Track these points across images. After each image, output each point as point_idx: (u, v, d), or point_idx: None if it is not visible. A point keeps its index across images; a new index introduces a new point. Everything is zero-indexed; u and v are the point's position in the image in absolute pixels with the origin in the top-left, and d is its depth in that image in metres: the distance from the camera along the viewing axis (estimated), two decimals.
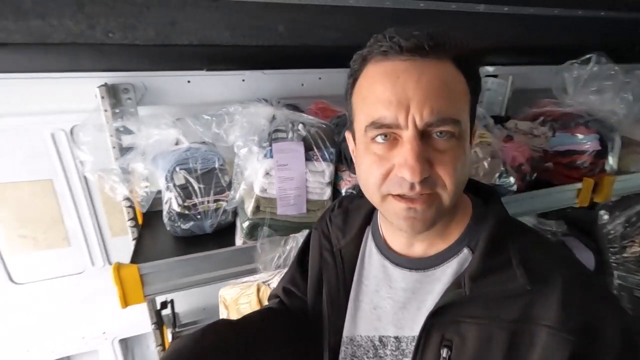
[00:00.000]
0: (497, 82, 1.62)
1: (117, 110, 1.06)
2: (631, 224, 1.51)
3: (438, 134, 0.49)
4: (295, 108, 1.20)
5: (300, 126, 0.94)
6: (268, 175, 0.90)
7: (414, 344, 0.54)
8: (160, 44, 1.02)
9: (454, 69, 0.49)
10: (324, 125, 0.97)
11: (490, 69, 1.63)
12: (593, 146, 1.23)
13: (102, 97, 1.03)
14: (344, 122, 1.10)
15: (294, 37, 1.22)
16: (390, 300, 0.60)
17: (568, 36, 1.42)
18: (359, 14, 1.25)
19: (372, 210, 0.69)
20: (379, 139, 0.50)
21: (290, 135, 0.91)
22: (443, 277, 0.56)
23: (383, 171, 0.51)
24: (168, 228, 0.99)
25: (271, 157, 0.89)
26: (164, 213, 0.98)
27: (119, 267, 0.75)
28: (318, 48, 1.26)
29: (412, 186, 0.49)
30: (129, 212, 1.13)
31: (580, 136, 1.24)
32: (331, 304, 0.65)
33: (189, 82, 1.19)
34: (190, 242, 0.98)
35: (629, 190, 1.34)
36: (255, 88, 1.27)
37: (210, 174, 0.97)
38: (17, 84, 1.06)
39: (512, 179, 1.12)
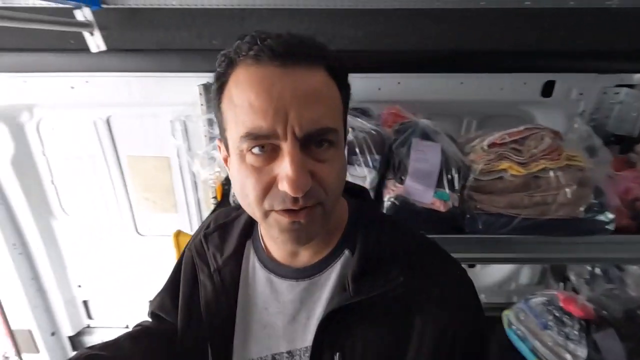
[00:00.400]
0: (633, 93, 1.29)
1: (210, 105, 1.27)
2: None
3: (317, 143, 0.46)
4: (363, 112, 1.21)
5: (349, 130, 0.96)
6: None
7: (307, 354, 0.53)
8: None
9: (328, 78, 0.47)
10: (374, 132, 0.97)
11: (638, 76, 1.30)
12: None
13: (200, 94, 1.24)
14: (405, 129, 1.06)
15: (371, 43, 1.24)
16: (280, 315, 0.57)
17: None
18: (437, 18, 1.18)
19: (252, 222, 0.64)
20: (256, 150, 0.46)
21: None
22: (328, 282, 0.55)
23: (263, 185, 0.47)
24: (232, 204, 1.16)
25: None
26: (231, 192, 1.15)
27: (178, 235, 0.93)
28: (397, 54, 1.25)
29: (295, 200, 0.46)
30: (212, 191, 1.34)
31: None
32: (214, 331, 0.58)
33: None
34: None
35: None
36: None
37: None
38: (147, 81, 1.37)
39: (609, 215, 0.90)
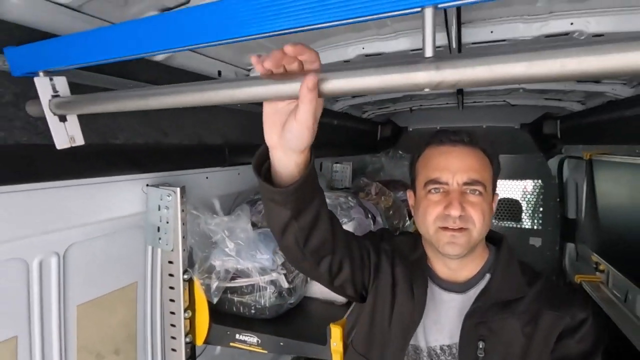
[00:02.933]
0: (342, 166, 2.55)
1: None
2: None
3: (470, 191, 0.77)
4: None
5: None
6: None
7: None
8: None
9: (482, 154, 0.81)
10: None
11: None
12: None
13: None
14: None
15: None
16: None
17: None
18: None
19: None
20: (434, 191, 0.79)
21: None
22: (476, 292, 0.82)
23: (437, 212, 0.78)
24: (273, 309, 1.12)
25: None
26: (267, 296, 1.11)
27: None
28: None
29: (454, 220, 0.75)
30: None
31: None
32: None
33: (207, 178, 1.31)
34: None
35: None
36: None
37: None
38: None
39: None
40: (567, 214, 2.62)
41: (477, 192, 0.77)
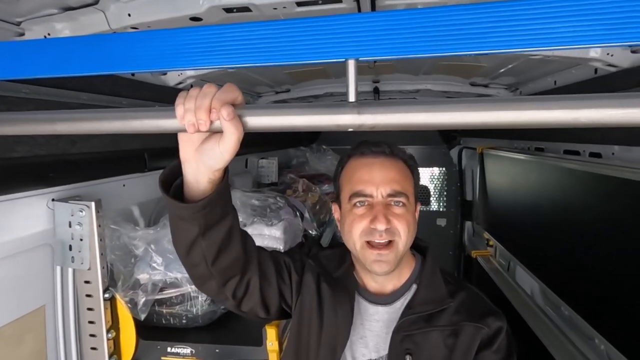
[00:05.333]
0: (267, 161, 2.56)
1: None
2: None
3: (394, 202, 0.79)
4: None
5: None
6: None
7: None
8: None
9: (404, 165, 0.84)
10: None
11: None
12: None
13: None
14: None
15: None
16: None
17: None
18: None
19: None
20: (359, 204, 0.79)
21: None
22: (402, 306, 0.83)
23: (362, 226, 0.78)
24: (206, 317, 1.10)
25: None
26: (199, 304, 1.09)
27: None
28: None
29: (380, 234, 0.76)
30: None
31: None
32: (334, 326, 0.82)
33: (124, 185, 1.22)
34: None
35: None
36: None
37: None
38: None
39: None
40: (465, 197, 3.05)
41: (401, 204, 0.79)
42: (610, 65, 1.11)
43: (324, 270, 0.89)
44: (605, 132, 1.21)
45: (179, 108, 0.50)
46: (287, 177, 2.13)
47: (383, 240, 0.76)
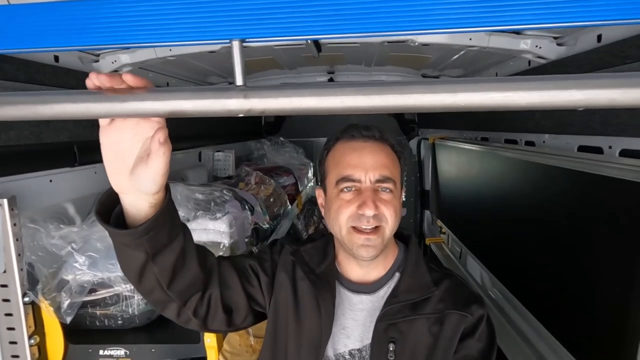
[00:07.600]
0: (223, 154, 2.49)
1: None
2: None
3: (382, 188, 0.76)
4: None
5: None
6: None
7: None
8: None
9: (391, 151, 0.81)
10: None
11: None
12: None
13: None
14: None
15: None
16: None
17: None
18: None
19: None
20: (346, 189, 0.76)
21: None
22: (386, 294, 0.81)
23: (350, 212, 0.75)
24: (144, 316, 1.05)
25: None
26: (135, 304, 1.04)
27: None
28: None
29: (367, 219, 0.74)
30: None
31: None
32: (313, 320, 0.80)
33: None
34: None
35: None
36: None
37: None
38: None
39: None
40: (424, 187, 3.13)
41: (389, 190, 0.77)
42: (540, 57, 1.15)
43: (306, 267, 0.84)
44: (538, 121, 1.26)
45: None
46: (242, 170, 2.08)
47: (370, 226, 0.74)
